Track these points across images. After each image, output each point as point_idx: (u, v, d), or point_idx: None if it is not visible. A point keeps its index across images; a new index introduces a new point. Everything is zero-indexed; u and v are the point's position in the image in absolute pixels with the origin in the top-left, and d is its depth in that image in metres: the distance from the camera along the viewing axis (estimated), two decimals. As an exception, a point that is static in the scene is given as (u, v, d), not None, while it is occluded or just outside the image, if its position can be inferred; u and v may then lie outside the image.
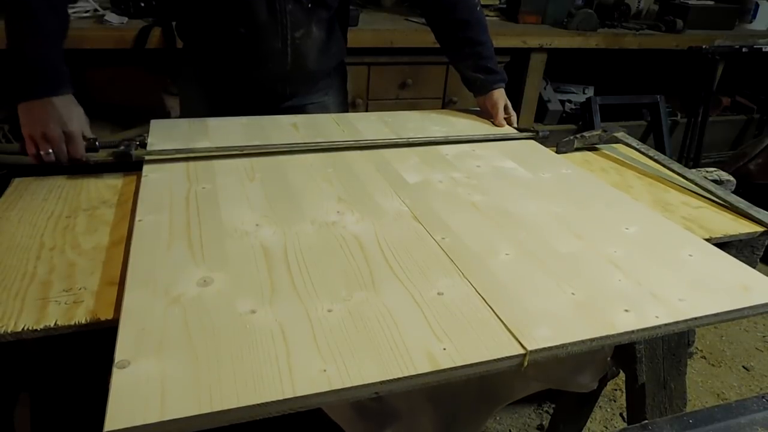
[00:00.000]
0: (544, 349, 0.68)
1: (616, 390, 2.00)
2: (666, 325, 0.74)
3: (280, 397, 0.58)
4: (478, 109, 1.60)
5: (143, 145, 1.23)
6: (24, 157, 1.15)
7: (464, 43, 1.51)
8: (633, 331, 0.73)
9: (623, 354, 1.27)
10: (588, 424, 1.71)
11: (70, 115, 1.13)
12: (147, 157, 1.14)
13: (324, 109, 1.59)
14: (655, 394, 1.30)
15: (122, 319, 0.69)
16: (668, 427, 0.67)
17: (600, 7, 2.93)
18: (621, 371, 1.35)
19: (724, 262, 0.91)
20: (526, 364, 0.68)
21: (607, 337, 0.71)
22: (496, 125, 1.51)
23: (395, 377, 0.62)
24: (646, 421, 0.68)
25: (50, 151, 1.11)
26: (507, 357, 0.67)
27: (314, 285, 0.78)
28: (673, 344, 1.28)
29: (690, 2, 3.09)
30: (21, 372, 0.97)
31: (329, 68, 1.55)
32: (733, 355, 2.24)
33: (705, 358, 2.22)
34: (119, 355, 0.63)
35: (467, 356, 0.66)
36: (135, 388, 0.58)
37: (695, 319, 0.76)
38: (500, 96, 1.52)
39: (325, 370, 0.62)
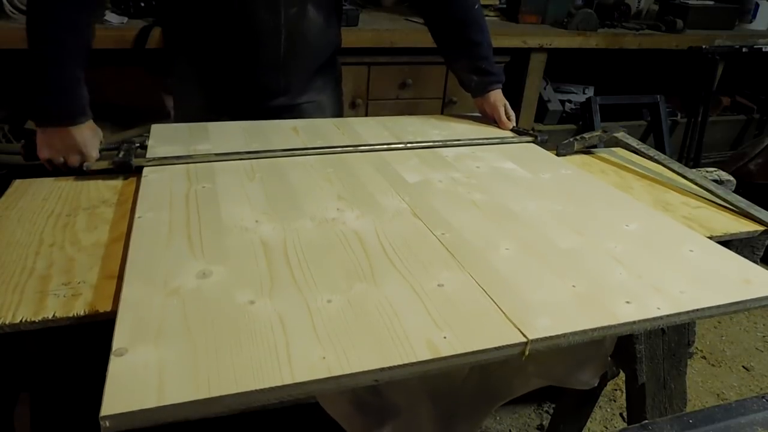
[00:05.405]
0: (546, 338, 0.68)
1: (616, 390, 1.99)
2: (668, 316, 0.74)
3: (279, 384, 0.58)
4: (478, 113, 1.59)
5: (143, 146, 1.23)
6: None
7: (459, 43, 1.49)
8: (634, 322, 0.72)
9: (623, 354, 1.27)
10: (588, 424, 1.71)
11: (91, 144, 1.16)
12: (147, 165, 1.15)
13: (320, 108, 1.58)
14: (655, 394, 1.30)
15: (120, 308, 0.69)
16: (668, 427, 0.67)
17: (600, 7, 2.93)
18: (621, 371, 1.35)
19: (724, 257, 0.91)
20: (527, 353, 0.67)
21: (609, 327, 0.71)
22: (501, 128, 1.50)
23: (395, 364, 0.62)
24: (646, 421, 0.68)
25: (59, 162, 1.15)
26: (508, 345, 0.67)
27: (314, 277, 0.78)
28: (674, 344, 1.28)
29: (690, 2, 3.09)
30: (21, 371, 0.97)
31: (324, 59, 1.53)
32: (733, 355, 2.24)
33: (705, 358, 2.21)
34: (117, 343, 0.62)
35: (468, 344, 0.66)
36: (132, 375, 0.58)
37: (696, 310, 0.76)
38: (498, 98, 1.51)
39: (324, 358, 0.62)
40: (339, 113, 1.68)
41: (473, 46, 1.47)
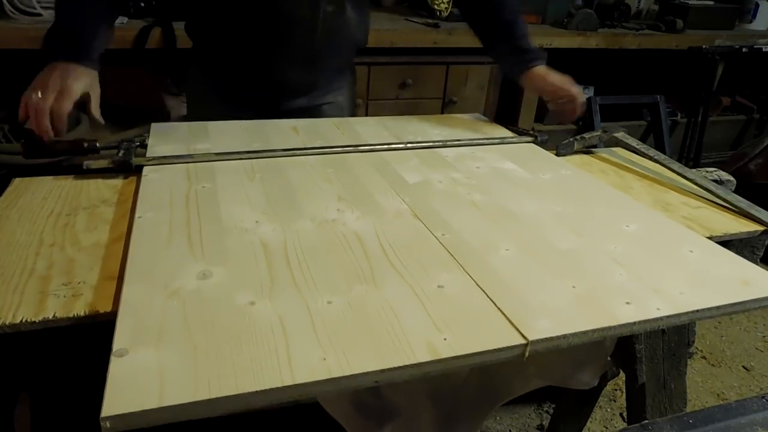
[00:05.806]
0: (545, 339, 0.68)
1: (616, 390, 2.00)
2: (667, 317, 0.74)
3: (279, 385, 0.58)
4: (478, 113, 1.59)
5: (143, 145, 1.23)
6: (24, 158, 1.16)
7: (495, 24, 1.47)
8: (634, 323, 0.72)
9: (623, 354, 1.27)
10: (588, 424, 1.71)
11: (81, 77, 1.14)
12: (147, 164, 1.15)
13: (339, 109, 1.58)
14: (655, 394, 1.30)
15: (121, 309, 0.69)
16: (668, 427, 0.67)
17: (600, 7, 2.93)
18: (621, 371, 1.35)
19: (724, 258, 0.90)
20: (527, 354, 0.67)
21: (609, 328, 0.71)
22: (568, 97, 1.41)
23: (395, 366, 0.62)
24: (646, 421, 0.68)
25: (35, 97, 1.09)
26: (508, 347, 0.67)
27: (314, 279, 0.78)
28: (674, 344, 1.28)
29: (690, 2, 3.09)
30: (21, 371, 0.97)
31: (352, 55, 1.53)
32: (733, 355, 2.24)
33: (705, 358, 2.21)
34: (117, 344, 0.62)
35: (468, 346, 0.65)
36: (133, 376, 0.58)
37: (696, 311, 0.76)
38: (546, 70, 1.43)
39: (324, 359, 0.62)
40: (353, 114, 1.67)
41: (509, 26, 1.45)
